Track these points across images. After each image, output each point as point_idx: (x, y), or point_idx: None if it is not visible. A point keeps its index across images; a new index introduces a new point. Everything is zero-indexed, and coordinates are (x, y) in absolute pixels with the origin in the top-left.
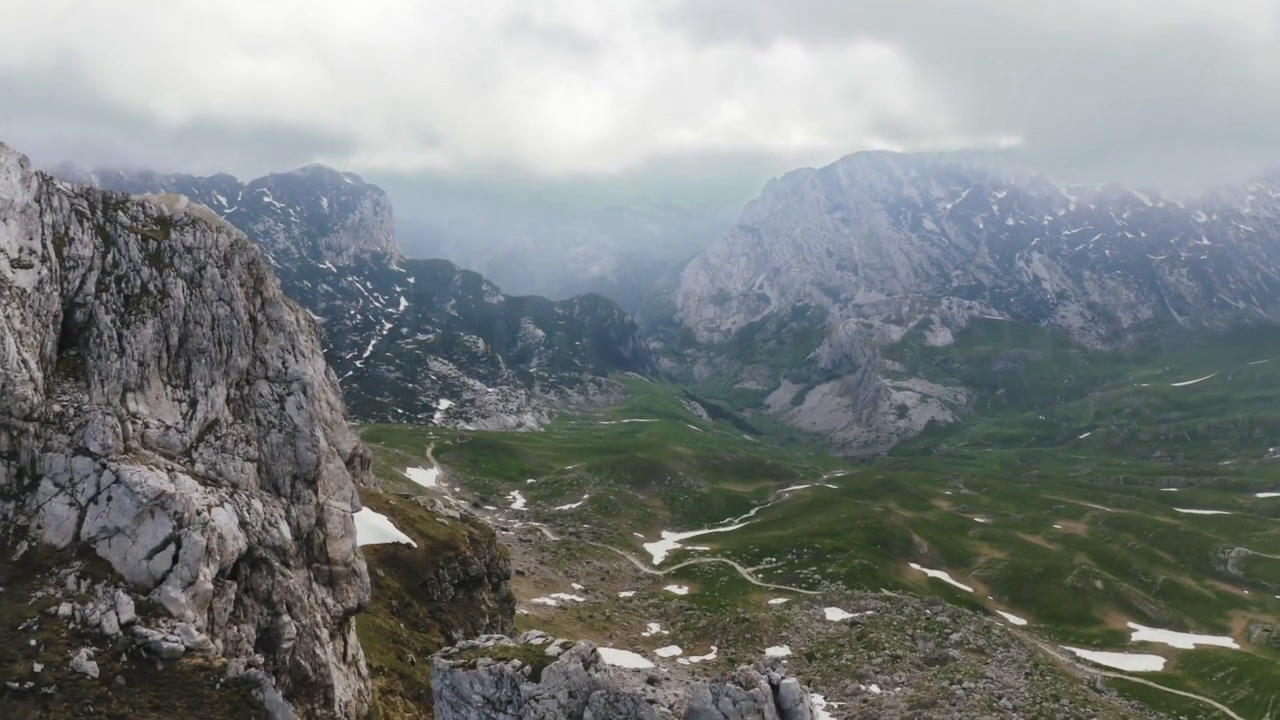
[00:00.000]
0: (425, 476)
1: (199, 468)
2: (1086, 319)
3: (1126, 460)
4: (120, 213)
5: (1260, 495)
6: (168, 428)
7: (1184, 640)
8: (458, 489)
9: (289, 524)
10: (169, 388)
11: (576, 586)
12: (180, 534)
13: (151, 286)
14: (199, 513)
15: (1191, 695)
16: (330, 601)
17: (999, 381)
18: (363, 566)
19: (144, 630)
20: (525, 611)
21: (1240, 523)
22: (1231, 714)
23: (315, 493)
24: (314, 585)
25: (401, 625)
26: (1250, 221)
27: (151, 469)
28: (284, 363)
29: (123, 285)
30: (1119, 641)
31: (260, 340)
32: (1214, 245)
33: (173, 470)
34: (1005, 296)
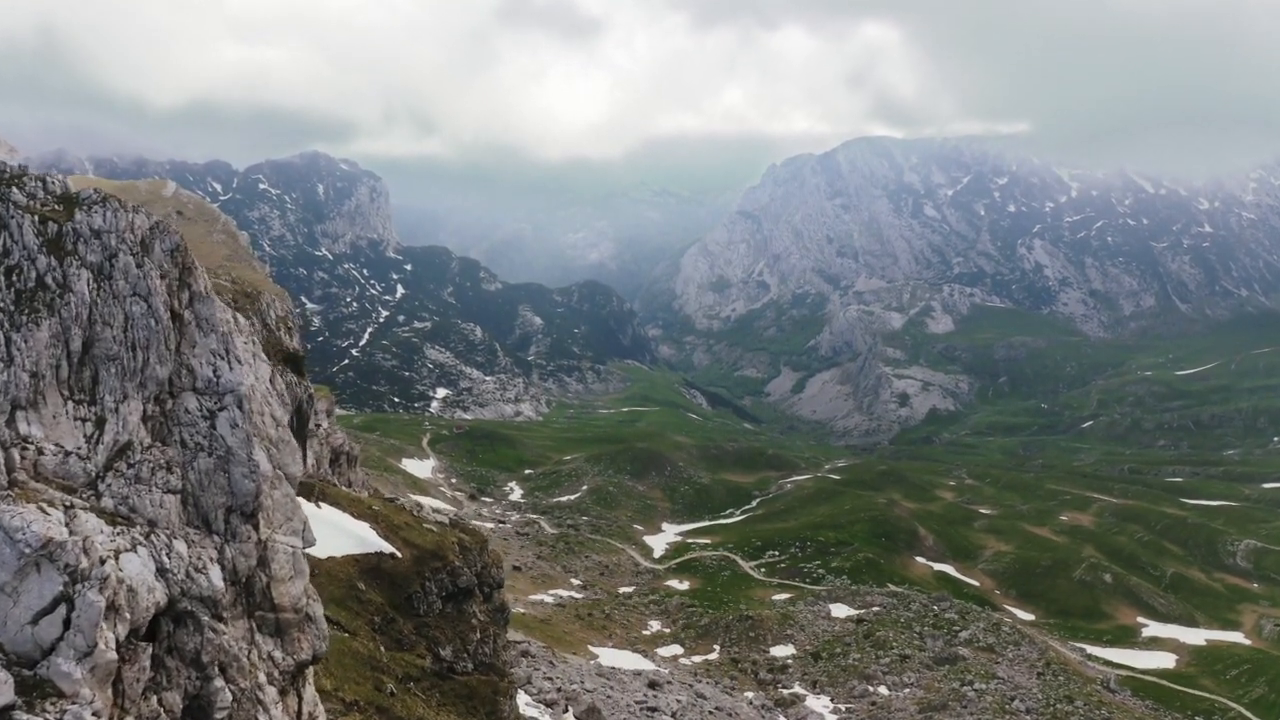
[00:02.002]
0: (421, 468)
1: (106, 502)
2: (1088, 306)
3: (1130, 449)
4: (15, 190)
5: (1266, 486)
6: (67, 454)
7: (1195, 636)
8: (454, 480)
9: (222, 567)
10: (70, 404)
11: (575, 582)
12: (72, 592)
13: (49, 279)
14: (102, 561)
15: (1206, 694)
16: (279, 655)
17: (1001, 370)
18: (318, 610)
19: (26, 717)
20: (522, 610)
21: (1248, 514)
22: (1247, 714)
23: (256, 528)
24: (257, 638)
25: (381, 648)
26: (1253, 209)
27: (42, 508)
28: (215, 370)
29: (14, 278)
30: (1130, 637)
31: (186, 343)
32: (1216, 232)
33: (72, 507)
34: (1007, 284)
